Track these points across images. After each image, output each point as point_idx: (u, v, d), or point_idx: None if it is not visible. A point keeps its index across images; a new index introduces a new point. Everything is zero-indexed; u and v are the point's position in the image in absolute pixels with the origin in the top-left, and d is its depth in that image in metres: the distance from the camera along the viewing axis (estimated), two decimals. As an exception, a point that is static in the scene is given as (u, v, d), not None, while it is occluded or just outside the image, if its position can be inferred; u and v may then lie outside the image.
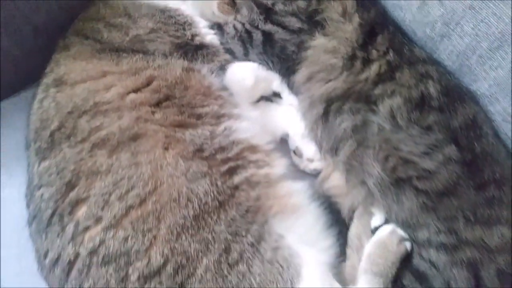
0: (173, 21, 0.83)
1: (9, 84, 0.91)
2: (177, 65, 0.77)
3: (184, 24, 0.84)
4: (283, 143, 0.90)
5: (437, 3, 0.78)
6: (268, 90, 0.91)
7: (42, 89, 0.76)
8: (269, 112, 0.91)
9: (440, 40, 0.81)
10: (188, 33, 0.84)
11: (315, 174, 0.88)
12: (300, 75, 0.86)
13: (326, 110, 0.82)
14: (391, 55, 0.81)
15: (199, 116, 0.73)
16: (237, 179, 0.69)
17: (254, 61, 0.90)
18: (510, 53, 0.72)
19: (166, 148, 0.68)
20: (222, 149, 0.71)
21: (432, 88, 0.79)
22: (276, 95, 0.92)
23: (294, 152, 0.89)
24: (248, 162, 0.72)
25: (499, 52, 0.74)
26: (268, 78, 0.90)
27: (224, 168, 0.69)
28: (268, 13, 0.89)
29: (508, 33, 0.72)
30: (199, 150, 0.69)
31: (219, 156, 0.70)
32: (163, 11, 0.84)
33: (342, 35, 0.83)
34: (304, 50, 0.86)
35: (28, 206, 0.71)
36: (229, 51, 0.89)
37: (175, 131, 0.70)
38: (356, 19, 0.84)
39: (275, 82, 0.91)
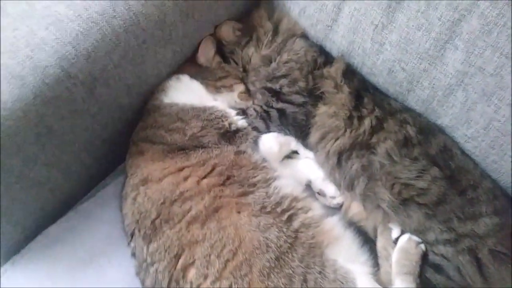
0: (213, 117, 1.07)
1: (82, 186, 1.12)
2: (229, 151, 1.01)
3: (221, 117, 1.08)
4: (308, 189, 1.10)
5: (400, 69, 1.04)
6: (288, 150, 1.14)
7: (132, 189, 0.98)
8: (293, 167, 1.09)
9: (407, 93, 1.06)
10: (226, 123, 1.07)
11: (338, 207, 1.06)
12: (313, 137, 1.08)
13: (339, 160, 1.03)
14: (377, 111, 1.05)
15: (254, 185, 0.96)
16: (295, 224, 0.92)
17: (274, 131, 1.12)
18: (459, 96, 0.98)
19: (239, 212, 0.91)
20: (277, 203, 0.94)
21: (411, 131, 1.00)
22: (294, 152, 1.15)
23: (318, 193, 1.07)
24: (297, 209, 0.95)
25: (451, 96, 1.00)
26: (287, 142, 1.12)
27: (284, 217, 0.92)
28: (277, 95, 1.11)
29: (454, 83, 0.98)
30: (263, 208, 0.92)
31: (278, 209, 0.93)
32: (204, 110, 1.08)
33: (338, 102, 1.05)
34: (312, 117, 1.09)
35: (143, 282, 0.90)
36: (255, 128, 1.11)
37: (241, 199, 0.93)
38: (346, 88, 1.06)
39: (292, 143, 1.13)
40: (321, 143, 1.07)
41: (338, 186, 1.06)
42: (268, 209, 0.93)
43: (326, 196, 1.07)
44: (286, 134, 1.13)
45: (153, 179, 0.96)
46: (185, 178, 0.95)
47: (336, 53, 1.16)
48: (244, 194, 0.95)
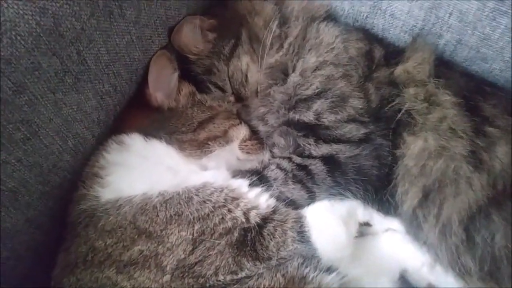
0: (210, 207, 0.52)
1: None
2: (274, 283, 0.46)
3: (225, 202, 0.54)
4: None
5: (545, 39, 0.58)
6: (356, 226, 0.63)
7: None
8: (372, 252, 0.65)
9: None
10: (238, 213, 0.53)
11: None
12: (409, 198, 0.60)
13: (468, 232, 0.58)
14: (516, 125, 0.59)
15: None
16: None
17: (322, 198, 0.62)
18: None
19: None
20: None
21: None
22: (364, 224, 0.66)
23: (427, 289, 0.64)
24: None
25: None
26: (350, 212, 0.63)
27: None
28: (315, 131, 0.63)
29: None
30: None
31: None
32: (189, 199, 0.53)
33: (442, 127, 0.61)
34: (395, 162, 0.61)
35: None
36: (290, 202, 0.60)
37: None
38: (447, 97, 0.61)
39: (359, 210, 0.65)
40: (425, 206, 0.61)
41: (467, 274, 0.62)
42: None
43: (442, 293, 0.65)
44: (344, 198, 0.64)
45: None
46: None
47: (398, 35, 0.70)
48: None
